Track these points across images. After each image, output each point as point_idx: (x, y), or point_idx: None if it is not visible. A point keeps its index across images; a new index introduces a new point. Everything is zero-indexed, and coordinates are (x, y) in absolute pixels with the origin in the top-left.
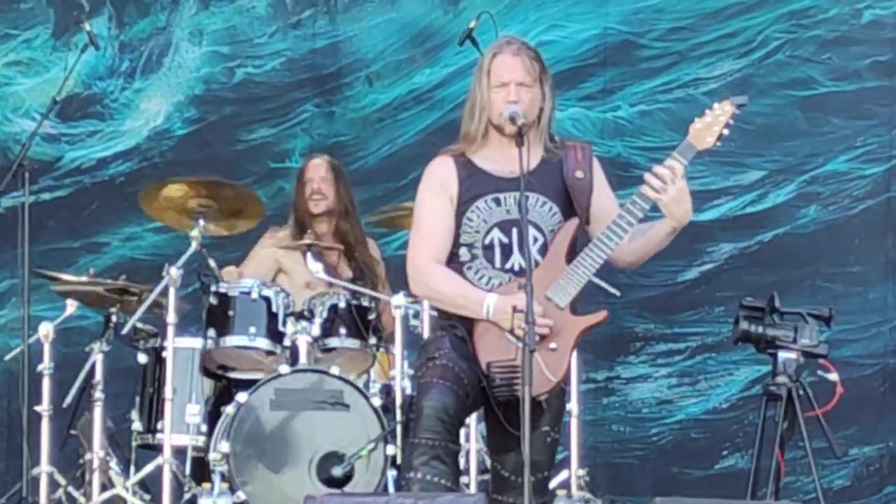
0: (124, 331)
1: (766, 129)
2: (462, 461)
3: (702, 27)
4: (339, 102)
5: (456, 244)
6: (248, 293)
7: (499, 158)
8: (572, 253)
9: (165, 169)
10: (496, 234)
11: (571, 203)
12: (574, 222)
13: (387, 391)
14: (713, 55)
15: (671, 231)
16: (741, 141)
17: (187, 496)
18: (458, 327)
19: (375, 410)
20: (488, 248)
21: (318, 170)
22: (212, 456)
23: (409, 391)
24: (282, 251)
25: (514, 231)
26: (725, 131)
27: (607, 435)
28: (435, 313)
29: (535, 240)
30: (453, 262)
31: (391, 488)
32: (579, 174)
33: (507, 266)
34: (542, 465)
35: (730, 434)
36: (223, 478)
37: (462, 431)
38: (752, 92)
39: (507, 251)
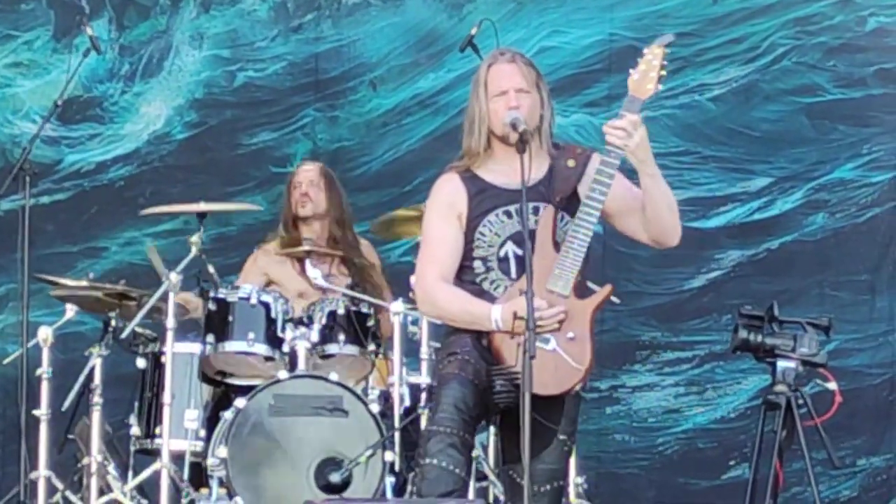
0: (123, 335)
1: (773, 136)
2: None
3: (707, 33)
4: (342, 107)
5: (469, 258)
6: (247, 299)
7: (505, 170)
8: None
9: (165, 173)
10: (510, 247)
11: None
12: (550, 210)
13: (385, 398)
14: (718, 61)
15: (651, 178)
16: (748, 147)
17: (185, 501)
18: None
19: (374, 417)
20: (503, 261)
21: (307, 174)
22: (210, 461)
23: (406, 398)
24: (271, 263)
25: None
26: (663, 73)
27: (611, 444)
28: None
29: None
30: (468, 274)
31: (389, 494)
32: (571, 163)
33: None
34: (559, 474)
35: (737, 444)
36: (221, 483)
37: None
38: (758, 98)
39: (522, 263)
